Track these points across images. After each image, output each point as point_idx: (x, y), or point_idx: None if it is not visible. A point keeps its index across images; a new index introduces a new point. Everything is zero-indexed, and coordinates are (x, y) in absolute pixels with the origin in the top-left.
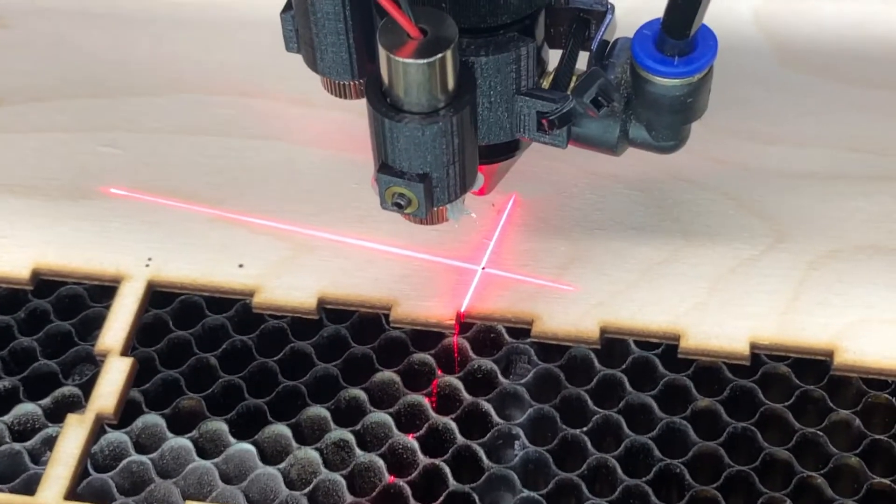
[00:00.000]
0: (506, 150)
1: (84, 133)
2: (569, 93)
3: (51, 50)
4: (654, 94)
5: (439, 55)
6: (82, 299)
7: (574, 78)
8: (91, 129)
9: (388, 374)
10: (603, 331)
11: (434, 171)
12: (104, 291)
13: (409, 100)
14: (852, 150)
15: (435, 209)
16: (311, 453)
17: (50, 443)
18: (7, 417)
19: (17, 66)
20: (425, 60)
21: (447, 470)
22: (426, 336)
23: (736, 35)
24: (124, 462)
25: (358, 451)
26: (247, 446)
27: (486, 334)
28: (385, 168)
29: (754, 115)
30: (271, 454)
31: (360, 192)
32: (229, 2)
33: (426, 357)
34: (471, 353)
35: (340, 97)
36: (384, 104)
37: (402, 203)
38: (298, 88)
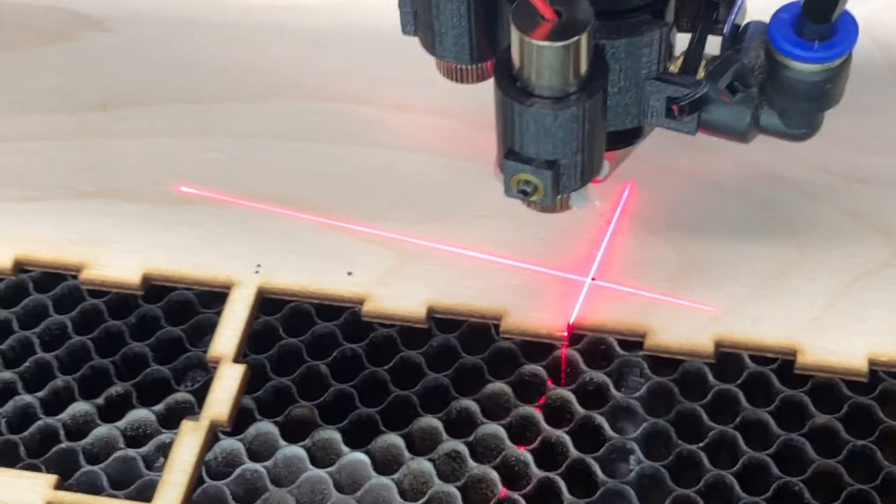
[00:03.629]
0: (628, 137)
1: (187, 139)
2: (700, 77)
3: (153, 55)
4: (792, 79)
5: (575, 38)
6: (192, 305)
7: (703, 62)
8: (193, 134)
9: (498, 385)
10: (717, 345)
11: (563, 157)
12: (214, 297)
13: (541, 84)
14: None
15: (560, 197)
16: (424, 464)
17: (163, 449)
18: (121, 423)
19: (120, 71)
20: (561, 43)
21: (561, 484)
22: (536, 347)
23: None
24: (239, 470)
25: (471, 463)
26: (360, 456)
27: (596, 346)
28: (512, 154)
29: (869, 126)
30: (384, 464)
31: (463, 199)
32: (330, 10)
33: (537, 368)
34: (582, 366)
35: (458, 81)
36: (514, 88)
37: (527, 190)
38: (400, 95)
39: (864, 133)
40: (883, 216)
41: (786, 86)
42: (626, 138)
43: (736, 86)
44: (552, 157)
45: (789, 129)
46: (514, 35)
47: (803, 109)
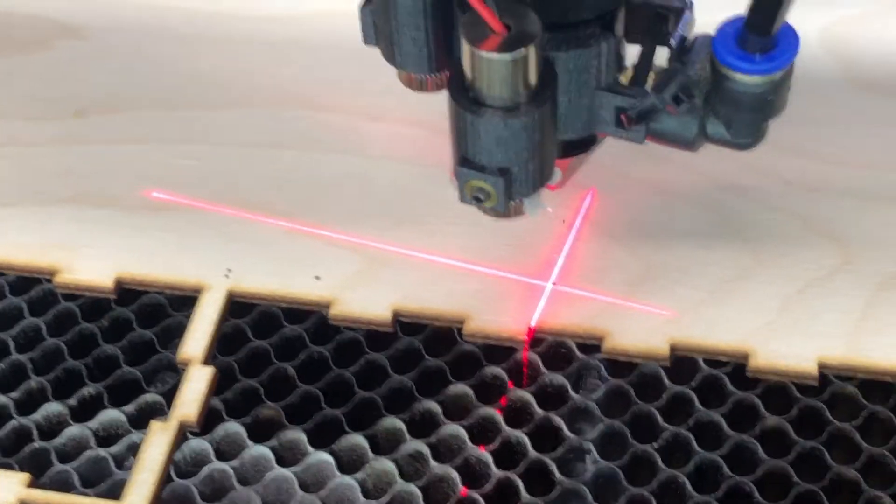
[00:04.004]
0: (581, 145)
1: (160, 145)
2: (648, 89)
3: (128, 63)
4: (735, 91)
5: (523, 50)
6: (163, 308)
7: (652, 74)
8: (167, 141)
9: (461, 387)
10: (673, 348)
11: (514, 165)
12: (185, 301)
13: (492, 94)
14: None
15: (513, 203)
16: (387, 464)
17: (134, 449)
18: (93, 423)
19: (94, 78)
20: (509, 55)
21: (520, 483)
22: (498, 350)
23: (802, 55)
24: (206, 469)
25: (433, 463)
26: (325, 455)
27: (556, 349)
28: (465, 162)
29: (822, 136)
30: (348, 464)
31: (431, 206)
32: (303, 19)
33: (498, 371)
34: (542, 368)
35: (418, 90)
36: (466, 98)
37: (481, 197)
38: (372, 103)
39: (818, 143)
40: (834, 223)
41: (730, 97)
42: (579, 146)
43: (681, 97)
44: (504, 164)
45: (735, 138)
46: (465, 47)
47: (747, 119)
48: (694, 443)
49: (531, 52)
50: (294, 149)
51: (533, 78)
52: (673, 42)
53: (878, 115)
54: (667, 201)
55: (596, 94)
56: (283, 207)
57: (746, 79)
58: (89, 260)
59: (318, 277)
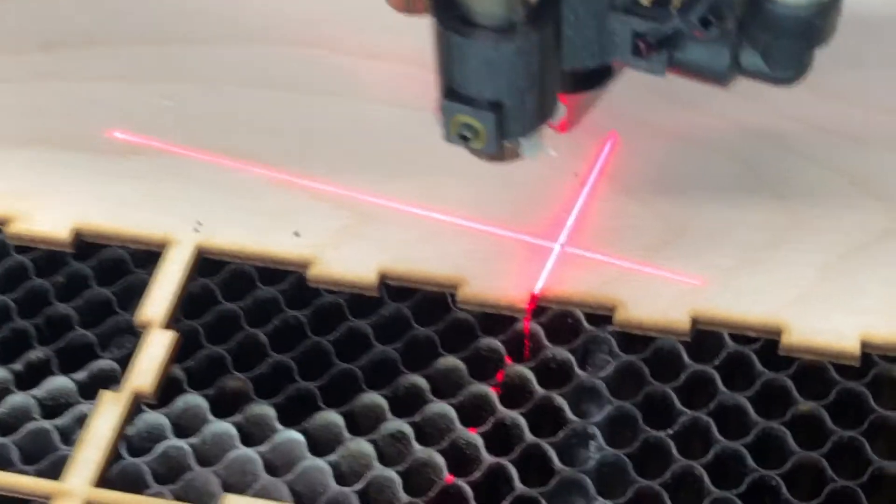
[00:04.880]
0: (593, 79)
1: (138, 83)
2: (671, 9)
3: None
4: (776, 13)
5: None
6: (125, 264)
7: None
8: (145, 78)
9: (451, 361)
10: (694, 321)
11: (507, 98)
12: (149, 257)
13: (482, 12)
14: None
15: (507, 144)
16: (364, 445)
17: (83, 421)
18: (38, 391)
19: (63, 9)
20: None
21: (513, 471)
22: (496, 319)
23: None
24: (161, 446)
25: (416, 445)
26: (295, 435)
27: (562, 320)
28: (451, 94)
29: (872, 80)
30: (321, 444)
31: (429, 155)
32: None
33: (495, 343)
34: (544, 341)
35: (407, 13)
36: (453, 18)
37: (468, 135)
38: (370, 41)
39: (867, 87)
40: (883, 181)
41: (770, 20)
42: (589, 80)
43: (710, 19)
44: (495, 97)
45: (773, 71)
46: None
47: (789, 48)
48: (714, 430)
49: None
50: (281, 90)
51: None
52: None
53: None
54: (692, 152)
55: (609, 14)
56: (265, 155)
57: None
58: (46, 209)
59: (297, 234)
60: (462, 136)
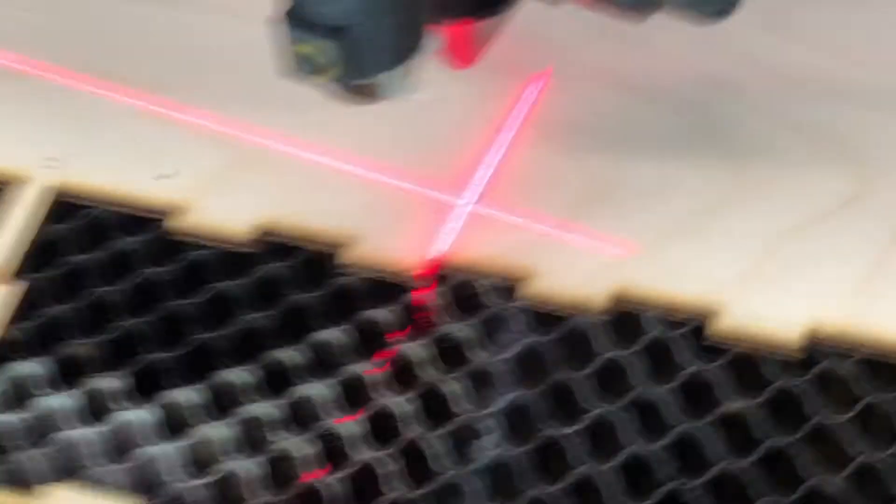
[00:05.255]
0: (483, 2)
1: None
2: None
3: None
4: None
5: None
6: None
7: None
8: None
9: (332, 334)
10: (616, 299)
11: (357, 21)
12: None
13: None
14: None
15: (365, 81)
16: (219, 430)
17: None
18: None
19: None
20: None
21: (392, 467)
22: (385, 287)
23: None
24: None
25: (279, 433)
26: (142, 415)
27: (463, 291)
28: (291, 16)
29: (845, 24)
30: (170, 426)
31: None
32: None
33: (383, 314)
34: (439, 315)
35: None
36: None
37: (311, 68)
38: None
39: (839, 32)
40: (851, 140)
41: None
42: (480, 3)
43: None
44: (342, 21)
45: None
46: None
47: None
48: (627, 427)
49: None
50: (160, 4)
51: None
52: None
53: None
54: (630, 98)
55: None
56: (136, 80)
57: None
58: None
59: (166, 176)
60: (303, 69)
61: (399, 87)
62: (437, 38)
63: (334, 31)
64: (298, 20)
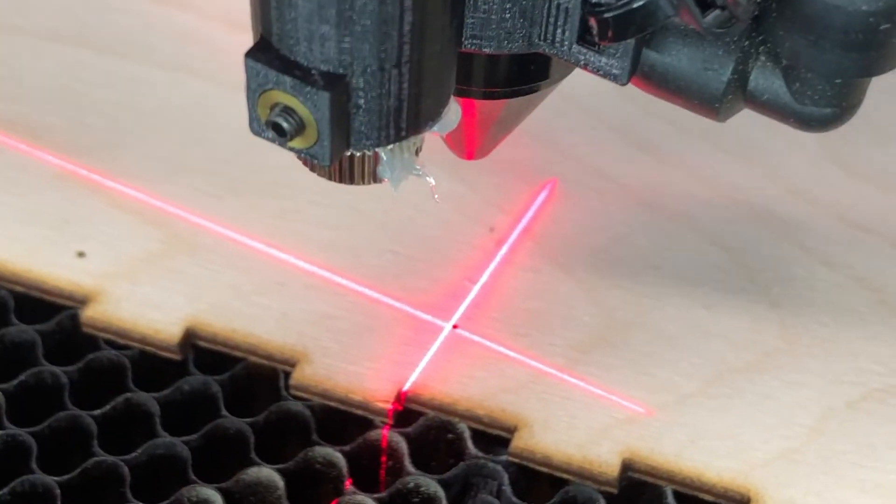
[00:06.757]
0: (520, 75)
1: None
2: None
3: None
4: (819, 6)
5: None
6: None
7: None
8: None
9: (266, 473)
10: (626, 466)
11: (359, 70)
12: None
13: None
14: None
15: (354, 154)
16: None
17: None
18: None
19: None
20: None
21: None
22: (342, 419)
23: None
24: None
25: None
26: None
27: (438, 435)
28: (264, 50)
29: None
30: None
31: (291, 170)
32: None
33: (335, 455)
34: (407, 463)
35: None
36: None
37: (283, 125)
38: (237, 6)
39: None
40: None
41: (807, 17)
42: (511, 78)
43: None
44: (337, 67)
45: (800, 101)
46: None
47: (832, 65)
48: None
49: None
50: (110, 54)
51: None
52: None
53: None
54: (657, 222)
55: None
56: (65, 138)
57: None
58: None
59: (82, 254)
60: (275, 125)
61: (401, 166)
62: (457, 109)
63: (325, 79)
64: (276, 58)
